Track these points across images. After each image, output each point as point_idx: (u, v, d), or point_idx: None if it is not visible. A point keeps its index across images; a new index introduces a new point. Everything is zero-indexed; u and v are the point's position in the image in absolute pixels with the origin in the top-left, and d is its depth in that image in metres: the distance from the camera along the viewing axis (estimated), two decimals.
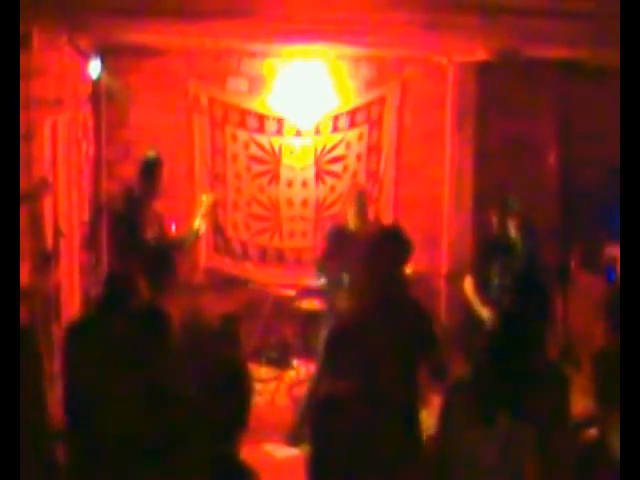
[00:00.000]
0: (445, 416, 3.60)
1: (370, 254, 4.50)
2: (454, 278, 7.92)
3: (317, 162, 8.34)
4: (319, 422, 3.69)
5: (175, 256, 6.83)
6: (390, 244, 4.41)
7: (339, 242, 6.47)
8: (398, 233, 4.54)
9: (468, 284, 6.43)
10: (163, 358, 3.99)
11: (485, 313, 6.13)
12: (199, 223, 6.92)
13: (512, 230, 6.36)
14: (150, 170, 6.81)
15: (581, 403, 3.96)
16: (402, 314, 4.21)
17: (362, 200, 6.67)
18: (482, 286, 6.33)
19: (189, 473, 2.99)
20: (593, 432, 3.98)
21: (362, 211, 6.59)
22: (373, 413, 3.59)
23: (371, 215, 7.22)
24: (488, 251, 6.53)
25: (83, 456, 4.10)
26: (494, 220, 6.50)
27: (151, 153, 7.00)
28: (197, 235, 6.98)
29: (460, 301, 7.69)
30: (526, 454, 3.18)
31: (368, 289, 4.41)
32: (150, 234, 6.59)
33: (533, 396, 3.31)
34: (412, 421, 4.14)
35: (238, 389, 3.11)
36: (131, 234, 6.57)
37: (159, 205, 6.91)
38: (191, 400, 3.17)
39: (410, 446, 4.00)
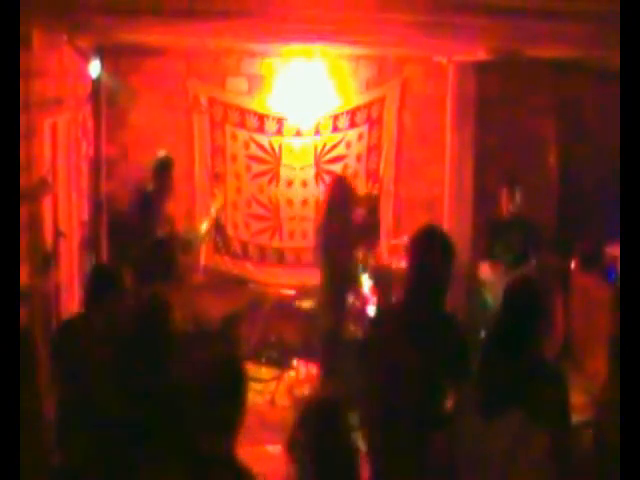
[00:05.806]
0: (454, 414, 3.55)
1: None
2: (453, 278, 7.91)
3: (317, 162, 8.34)
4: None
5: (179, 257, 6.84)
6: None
7: None
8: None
9: (485, 269, 6.69)
10: (163, 352, 3.97)
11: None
12: (206, 226, 6.91)
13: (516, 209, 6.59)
14: (162, 170, 6.80)
15: (581, 403, 3.95)
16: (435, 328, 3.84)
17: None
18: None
19: (183, 474, 2.97)
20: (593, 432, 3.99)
21: None
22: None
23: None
24: (492, 230, 6.81)
25: (79, 457, 4.09)
26: (503, 197, 6.63)
27: (162, 153, 7.00)
28: (203, 239, 6.96)
29: (460, 301, 7.71)
30: (537, 453, 3.16)
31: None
32: (160, 234, 6.58)
33: (529, 394, 3.30)
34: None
35: (235, 390, 3.07)
36: (141, 234, 6.53)
37: (170, 206, 6.92)
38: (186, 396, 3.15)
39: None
